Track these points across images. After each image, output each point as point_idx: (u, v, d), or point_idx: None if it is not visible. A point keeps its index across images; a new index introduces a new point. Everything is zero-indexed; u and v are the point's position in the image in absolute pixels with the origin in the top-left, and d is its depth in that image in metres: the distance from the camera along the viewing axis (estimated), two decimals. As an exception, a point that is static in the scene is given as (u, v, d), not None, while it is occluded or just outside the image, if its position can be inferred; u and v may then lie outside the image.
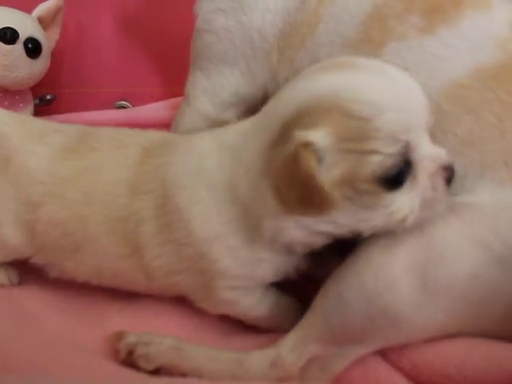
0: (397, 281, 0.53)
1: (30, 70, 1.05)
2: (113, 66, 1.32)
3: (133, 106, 1.35)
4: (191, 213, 0.53)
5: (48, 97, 1.20)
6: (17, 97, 1.10)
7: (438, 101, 0.58)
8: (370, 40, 0.63)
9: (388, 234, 0.53)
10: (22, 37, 1.02)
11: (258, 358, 0.55)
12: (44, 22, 1.11)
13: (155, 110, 1.30)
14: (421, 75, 0.58)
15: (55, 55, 1.18)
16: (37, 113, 1.20)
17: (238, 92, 0.74)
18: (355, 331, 0.54)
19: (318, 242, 0.54)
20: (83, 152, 0.60)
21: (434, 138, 0.56)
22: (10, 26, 0.99)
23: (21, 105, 1.11)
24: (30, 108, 1.14)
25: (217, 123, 0.75)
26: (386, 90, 0.49)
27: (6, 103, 1.08)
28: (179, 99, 1.29)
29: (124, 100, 1.35)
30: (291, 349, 0.54)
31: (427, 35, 0.60)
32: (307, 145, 0.44)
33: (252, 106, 0.76)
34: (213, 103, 0.76)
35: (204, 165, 0.55)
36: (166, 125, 1.21)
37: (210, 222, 0.52)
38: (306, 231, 0.51)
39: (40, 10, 1.10)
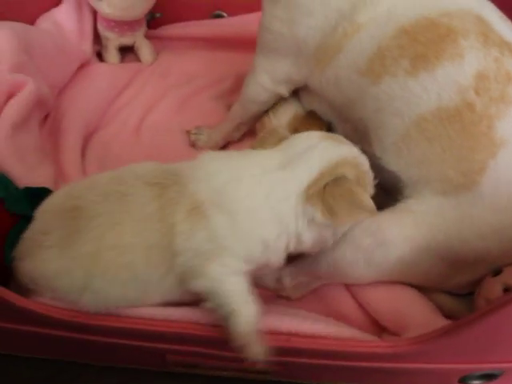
0: (346, 255, 0.82)
1: (144, 7, 1.31)
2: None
3: (229, 15, 1.55)
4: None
5: (157, 15, 1.46)
6: (134, 22, 1.37)
7: (408, 126, 0.79)
8: (373, 72, 0.82)
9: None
10: (136, -21, 1.26)
11: (270, 275, 0.87)
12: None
13: (250, 21, 1.50)
14: (402, 105, 0.80)
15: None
16: (148, 26, 1.48)
17: (288, 75, 0.97)
18: (323, 276, 0.87)
19: None
20: None
21: (401, 152, 0.81)
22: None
23: (136, 27, 1.38)
24: (144, 27, 1.42)
25: (273, 93, 1.02)
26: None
27: (126, 27, 1.37)
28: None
29: (220, 10, 1.56)
30: (287, 275, 0.86)
31: (411, 77, 0.78)
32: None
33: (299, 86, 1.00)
34: (271, 80, 0.99)
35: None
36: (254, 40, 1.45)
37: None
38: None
39: None
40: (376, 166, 0.86)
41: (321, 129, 0.96)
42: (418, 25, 0.79)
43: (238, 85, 1.33)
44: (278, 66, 0.97)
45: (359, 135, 0.91)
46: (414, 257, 0.79)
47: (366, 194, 0.70)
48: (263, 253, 0.69)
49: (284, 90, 1.00)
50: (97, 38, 1.40)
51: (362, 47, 0.84)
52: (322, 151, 0.72)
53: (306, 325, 0.68)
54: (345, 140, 0.78)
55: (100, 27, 1.37)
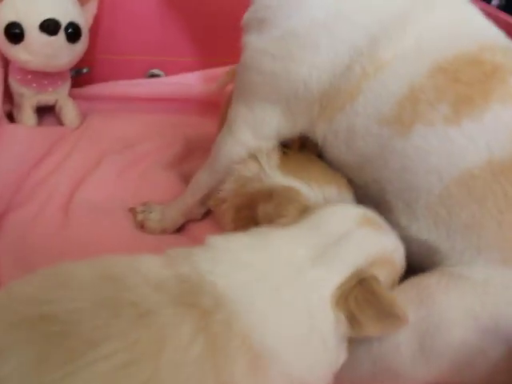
0: (400, 344, 0.62)
1: (72, 55, 1.07)
2: (147, 35, 1.31)
3: (166, 75, 1.36)
4: None
5: (84, 70, 1.22)
6: (56, 76, 1.12)
7: (449, 184, 0.64)
8: (401, 119, 0.66)
9: None
10: (63, 24, 1.02)
11: None
12: (83, -1, 1.10)
13: (188, 81, 1.32)
14: (439, 159, 0.64)
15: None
16: (73, 83, 1.23)
17: (278, 129, 0.77)
18: (362, 381, 0.65)
19: None
20: None
21: (438, 217, 0.65)
22: (53, 18, 0.99)
23: (59, 82, 1.14)
24: (68, 83, 1.17)
25: (255, 150, 0.79)
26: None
27: (46, 82, 1.11)
28: (213, 71, 1.32)
29: (157, 68, 1.36)
30: None
31: (452, 125, 0.63)
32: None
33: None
34: (254, 135, 0.78)
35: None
36: (198, 101, 1.25)
37: None
38: None
39: (79, -13, 1.08)
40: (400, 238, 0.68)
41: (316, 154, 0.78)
42: (456, 61, 0.65)
43: (189, 151, 1.13)
44: (263, 116, 0.77)
45: (371, 201, 0.73)
46: (480, 341, 0.60)
47: (396, 298, 0.58)
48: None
49: (270, 145, 0.79)
50: (7, 94, 1.12)
51: (387, 90, 0.67)
52: (360, 244, 0.61)
53: None
54: (382, 222, 0.66)
55: (12, 81, 1.11)
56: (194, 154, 1.12)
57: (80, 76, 1.23)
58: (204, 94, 1.24)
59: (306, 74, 0.71)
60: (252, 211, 0.69)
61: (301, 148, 0.78)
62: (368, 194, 0.75)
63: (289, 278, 0.56)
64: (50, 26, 0.99)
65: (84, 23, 1.08)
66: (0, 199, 0.92)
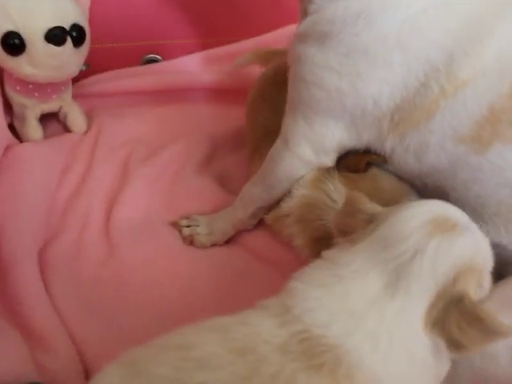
0: (499, 356, 0.64)
1: (79, 60, 0.98)
2: (140, 18, 1.21)
3: (163, 59, 1.27)
4: None
5: (83, 68, 1.12)
6: (58, 82, 1.02)
7: None
8: (480, 139, 0.66)
9: None
10: (68, 27, 0.92)
11: None
12: (77, -8, 0.99)
13: (189, 64, 1.24)
14: None
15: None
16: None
17: (340, 142, 0.74)
18: None
19: None
20: None
21: (509, 224, 0.67)
22: (58, 25, 0.88)
23: (62, 87, 1.04)
24: (70, 86, 1.08)
25: (315, 166, 0.77)
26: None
27: (49, 90, 1.02)
28: (213, 51, 1.24)
29: (154, 53, 1.27)
30: None
31: None
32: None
33: None
34: (314, 150, 0.75)
35: None
36: (207, 88, 1.18)
37: None
38: None
39: (73, -19, 0.97)
40: None
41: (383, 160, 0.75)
42: None
43: (213, 148, 1.08)
44: (324, 131, 0.73)
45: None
46: None
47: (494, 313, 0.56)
48: None
49: (330, 160, 0.77)
50: (5, 104, 1.02)
51: (466, 108, 0.66)
52: (435, 260, 0.56)
53: None
54: (455, 216, 0.59)
55: (11, 92, 1.00)
56: (219, 150, 1.07)
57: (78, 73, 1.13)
58: (212, 79, 1.17)
59: (376, 90, 0.68)
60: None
61: (366, 167, 0.76)
62: (430, 196, 0.74)
63: (376, 314, 0.55)
64: (57, 36, 0.88)
65: (85, 21, 0.98)
66: (38, 232, 0.86)
